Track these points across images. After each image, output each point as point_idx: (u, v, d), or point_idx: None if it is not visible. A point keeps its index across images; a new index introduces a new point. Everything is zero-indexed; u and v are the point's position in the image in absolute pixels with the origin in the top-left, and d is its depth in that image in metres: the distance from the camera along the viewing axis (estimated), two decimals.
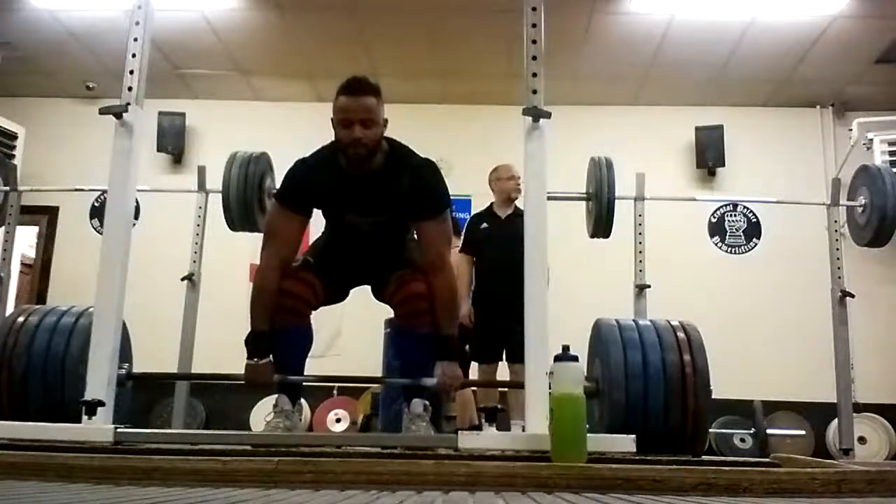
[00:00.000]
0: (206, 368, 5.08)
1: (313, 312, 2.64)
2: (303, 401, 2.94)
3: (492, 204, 4.71)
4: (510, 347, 4.28)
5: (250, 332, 2.54)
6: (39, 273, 6.61)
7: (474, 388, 4.79)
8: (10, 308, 5.23)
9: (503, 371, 4.51)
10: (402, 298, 2.58)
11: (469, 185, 5.80)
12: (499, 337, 4.31)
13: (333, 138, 2.51)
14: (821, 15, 5.36)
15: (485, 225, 4.59)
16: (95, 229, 6.27)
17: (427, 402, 2.64)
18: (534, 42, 2.54)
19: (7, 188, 4.74)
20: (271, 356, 2.56)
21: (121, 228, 2.56)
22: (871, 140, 6.01)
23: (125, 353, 2.73)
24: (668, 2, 5.33)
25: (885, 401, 5.94)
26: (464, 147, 6.19)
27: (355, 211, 2.56)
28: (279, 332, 2.57)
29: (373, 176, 2.50)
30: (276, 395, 2.64)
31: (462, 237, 4.82)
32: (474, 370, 4.81)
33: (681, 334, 2.52)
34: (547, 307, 2.45)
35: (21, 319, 2.78)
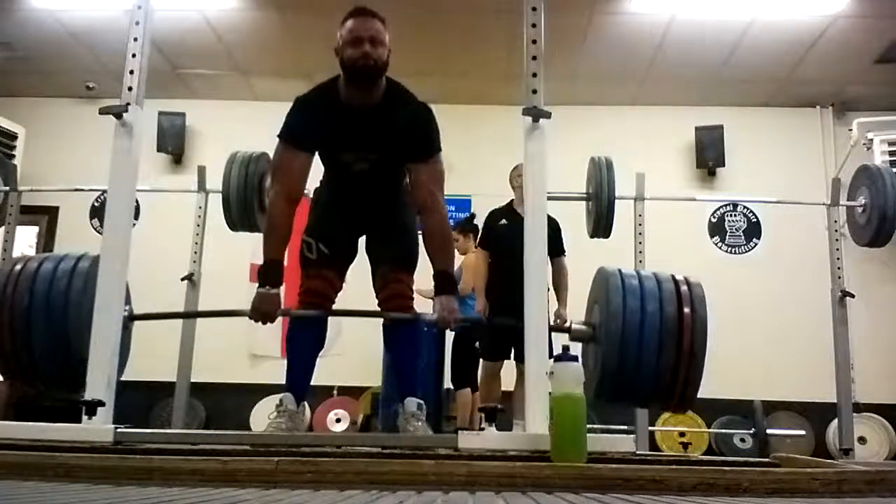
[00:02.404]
0: (206, 368, 5.14)
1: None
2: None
3: (511, 201, 4.69)
4: (519, 346, 4.29)
5: (263, 262, 2.57)
6: None
7: (476, 390, 4.79)
8: None
9: (507, 372, 4.51)
10: (385, 297, 2.69)
11: (469, 186, 5.81)
12: (508, 335, 4.28)
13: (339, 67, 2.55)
14: (821, 15, 5.36)
15: (503, 221, 4.56)
16: (95, 229, 6.28)
17: (421, 401, 2.66)
18: (534, 42, 2.54)
19: (7, 188, 4.75)
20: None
21: (121, 228, 2.56)
22: (871, 140, 6.02)
23: (126, 295, 2.72)
24: (668, 2, 5.33)
25: (885, 401, 5.94)
26: (463, 147, 6.17)
27: (351, 148, 2.58)
28: (298, 327, 2.67)
29: (370, 111, 2.54)
30: (280, 395, 2.64)
31: (479, 232, 4.82)
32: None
33: (683, 287, 2.53)
34: (547, 307, 2.46)
35: (19, 267, 2.74)
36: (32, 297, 2.61)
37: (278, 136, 2.59)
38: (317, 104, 2.59)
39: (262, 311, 2.54)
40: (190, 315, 4.36)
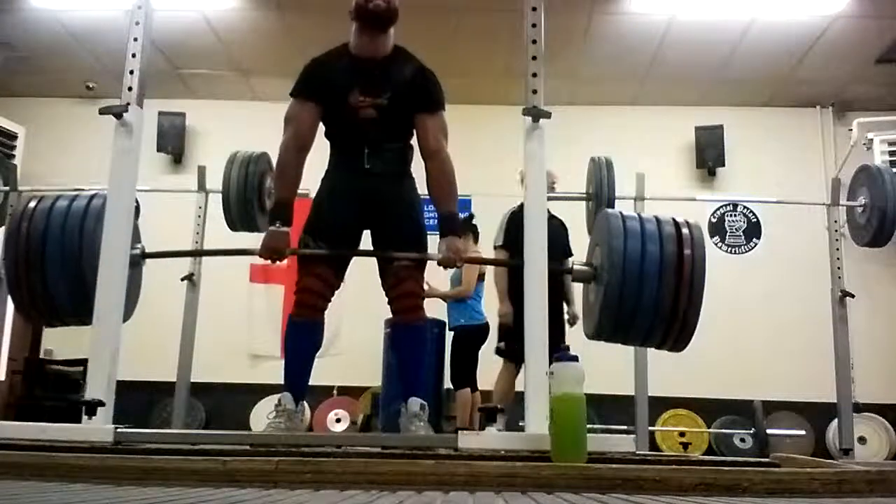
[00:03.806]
0: (206, 368, 5.14)
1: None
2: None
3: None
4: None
5: (274, 201, 2.69)
6: None
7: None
8: (9, 308, 5.23)
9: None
10: (397, 295, 2.67)
11: (469, 186, 5.79)
12: None
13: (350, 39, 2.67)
14: (821, 15, 5.36)
15: None
16: None
17: (424, 402, 2.65)
18: (534, 42, 2.55)
19: (7, 188, 4.75)
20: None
21: (121, 228, 2.56)
22: (871, 140, 6.02)
23: (135, 234, 2.82)
24: (668, 2, 5.33)
25: (885, 401, 5.94)
26: (463, 147, 6.14)
27: (359, 86, 2.62)
28: (295, 326, 2.66)
29: (379, 60, 2.64)
30: (278, 395, 2.64)
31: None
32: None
33: (683, 229, 2.58)
34: (547, 307, 2.46)
35: (33, 205, 2.79)
36: (47, 233, 2.68)
37: (290, 94, 2.71)
38: (326, 58, 2.71)
39: (271, 248, 2.60)
40: (198, 253, 4.45)
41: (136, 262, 2.80)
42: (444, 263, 2.63)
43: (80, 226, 2.67)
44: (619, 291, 2.47)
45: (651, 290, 2.46)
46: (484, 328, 4.93)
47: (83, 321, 2.65)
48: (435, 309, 4.97)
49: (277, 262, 2.66)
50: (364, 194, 2.68)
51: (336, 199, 2.70)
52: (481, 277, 5.01)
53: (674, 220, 2.63)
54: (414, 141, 2.76)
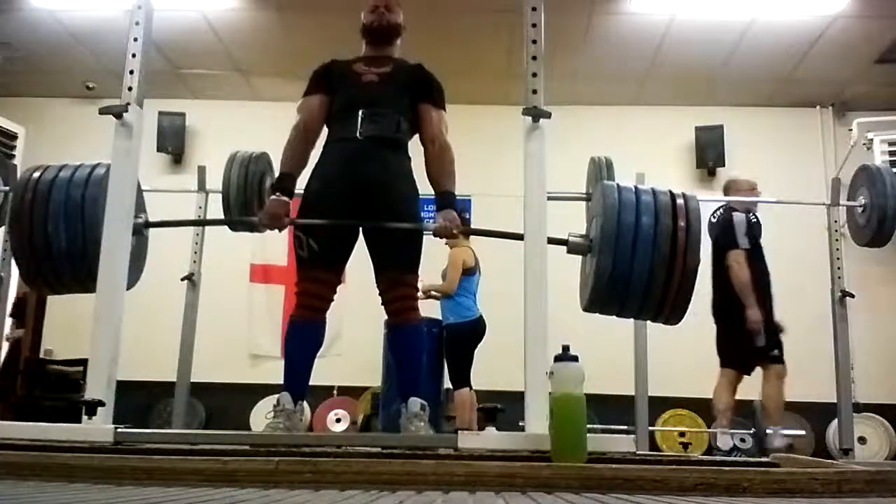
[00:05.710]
0: (206, 368, 5.14)
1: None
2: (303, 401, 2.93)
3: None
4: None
5: (278, 175, 2.80)
6: None
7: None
8: (8, 309, 5.23)
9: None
10: (392, 297, 2.70)
11: (469, 186, 5.79)
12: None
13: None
14: (821, 15, 5.36)
15: (754, 219, 4.58)
16: None
17: (424, 402, 2.65)
18: (534, 42, 2.55)
19: (7, 188, 4.74)
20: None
21: (121, 228, 2.56)
22: (871, 140, 6.02)
23: (139, 204, 2.89)
24: (668, 2, 5.33)
25: (885, 401, 5.94)
26: (463, 147, 6.12)
27: (363, 61, 2.84)
28: (293, 326, 2.68)
29: (384, 56, 2.86)
30: (278, 395, 2.64)
31: (751, 236, 4.61)
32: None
33: (679, 201, 2.59)
34: (547, 307, 2.46)
35: (37, 175, 2.87)
36: (49, 202, 2.75)
37: (303, 95, 2.87)
38: (335, 61, 2.89)
39: (271, 213, 2.69)
40: (200, 223, 4.48)
41: (139, 230, 2.91)
42: (439, 232, 2.66)
43: (82, 197, 2.74)
44: (612, 262, 2.49)
45: (645, 261, 2.48)
46: (475, 324, 4.89)
47: (86, 290, 2.69)
48: (435, 309, 4.97)
49: (278, 230, 2.76)
50: (355, 178, 2.67)
51: (327, 188, 2.70)
52: (469, 272, 4.96)
53: (670, 192, 2.64)
54: (415, 139, 2.79)
